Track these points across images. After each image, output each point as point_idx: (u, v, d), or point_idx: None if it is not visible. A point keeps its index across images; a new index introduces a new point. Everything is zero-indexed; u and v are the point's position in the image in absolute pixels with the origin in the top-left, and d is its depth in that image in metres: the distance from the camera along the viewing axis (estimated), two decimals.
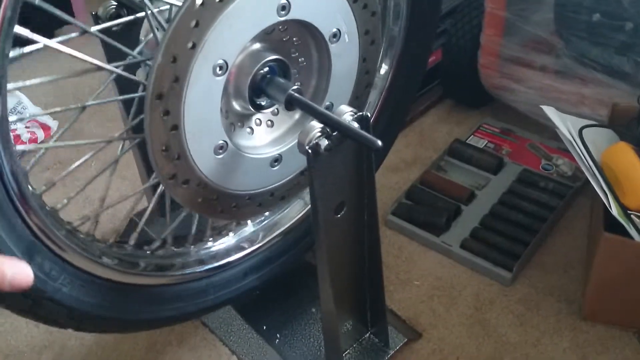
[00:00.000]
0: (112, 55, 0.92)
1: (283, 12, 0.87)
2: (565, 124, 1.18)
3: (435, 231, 1.44)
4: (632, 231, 1.06)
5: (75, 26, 0.82)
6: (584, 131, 1.20)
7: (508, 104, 1.63)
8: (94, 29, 0.85)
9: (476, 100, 1.78)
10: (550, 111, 1.22)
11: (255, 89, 0.91)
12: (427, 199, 1.52)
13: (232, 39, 0.83)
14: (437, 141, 1.72)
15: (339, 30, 0.94)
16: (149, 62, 0.89)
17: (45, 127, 1.69)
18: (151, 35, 0.91)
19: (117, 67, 0.85)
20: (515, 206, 1.48)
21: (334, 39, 0.95)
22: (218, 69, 0.83)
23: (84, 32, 0.84)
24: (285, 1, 0.86)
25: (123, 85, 0.96)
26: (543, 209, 1.46)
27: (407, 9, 1.12)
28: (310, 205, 0.97)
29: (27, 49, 0.75)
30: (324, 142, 0.86)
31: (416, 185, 1.55)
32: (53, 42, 0.76)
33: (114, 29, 0.92)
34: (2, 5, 0.67)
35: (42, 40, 0.75)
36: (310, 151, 0.86)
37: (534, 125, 1.60)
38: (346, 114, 0.88)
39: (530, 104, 1.52)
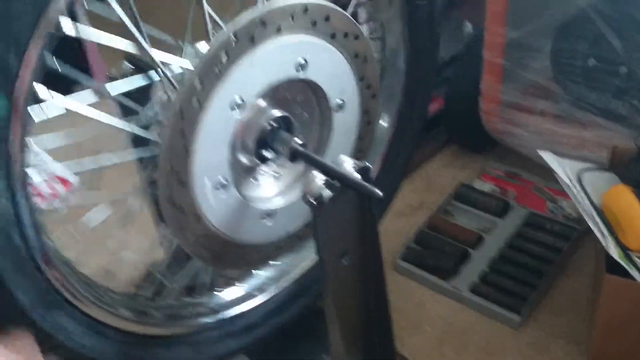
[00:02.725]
0: (127, 112, 0.97)
1: (301, 69, 0.92)
2: (563, 168, 1.21)
3: (445, 275, 1.46)
4: (634, 272, 1.07)
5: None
6: (584, 174, 1.22)
7: (511, 147, 1.67)
8: (109, 86, 0.90)
9: (480, 145, 1.82)
10: (547, 156, 1.25)
11: (261, 143, 0.96)
12: (435, 244, 1.54)
13: (253, 79, 0.88)
14: (443, 185, 1.75)
15: (343, 101, 1.00)
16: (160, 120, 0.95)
17: (65, 182, 1.73)
18: (162, 92, 0.97)
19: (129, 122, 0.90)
20: (522, 249, 1.49)
21: (339, 110, 1.01)
22: (235, 105, 0.88)
23: (101, 94, 0.89)
24: (303, 61, 0.92)
25: (138, 141, 1.01)
26: (550, 251, 1.47)
27: (406, 65, 1.18)
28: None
29: (50, 113, 0.80)
30: (327, 193, 0.89)
31: (424, 230, 1.58)
32: (73, 105, 0.82)
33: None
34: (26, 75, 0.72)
35: (62, 104, 0.80)
36: (313, 201, 0.89)
37: (538, 168, 1.62)
38: (348, 165, 0.92)
39: (532, 147, 1.54)
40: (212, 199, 0.92)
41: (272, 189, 1.03)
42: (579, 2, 1.36)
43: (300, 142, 0.95)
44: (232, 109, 0.87)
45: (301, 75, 0.93)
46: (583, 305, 1.37)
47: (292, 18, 0.88)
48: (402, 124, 1.25)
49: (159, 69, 0.89)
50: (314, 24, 0.91)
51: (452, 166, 1.82)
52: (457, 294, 1.42)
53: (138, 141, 0.99)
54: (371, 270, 1.06)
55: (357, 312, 1.09)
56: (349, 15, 0.96)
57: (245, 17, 0.84)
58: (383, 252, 1.03)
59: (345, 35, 0.95)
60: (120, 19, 0.83)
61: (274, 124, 0.95)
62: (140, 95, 0.99)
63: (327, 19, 0.92)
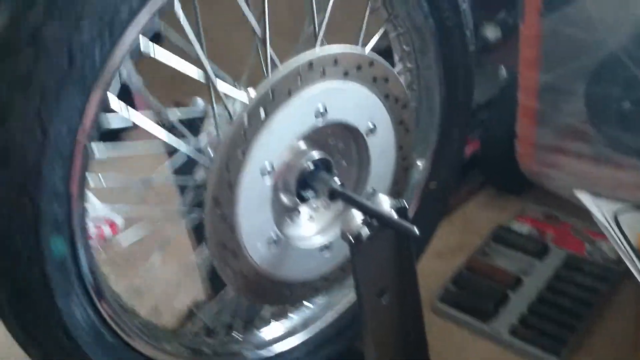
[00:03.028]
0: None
1: (321, 116, 0.95)
2: (599, 209, 1.21)
3: (483, 317, 1.45)
4: None
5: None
6: (620, 214, 1.22)
7: (548, 189, 1.67)
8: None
9: (517, 187, 1.82)
10: (584, 196, 1.25)
11: (301, 183, 0.99)
12: (474, 285, 1.55)
13: (277, 144, 0.92)
14: (481, 227, 1.75)
15: (374, 125, 1.03)
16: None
17: (112, 225, 1.80)
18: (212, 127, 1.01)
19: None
20: (562, 291, 1.49)
21: (371, 134, 1.03)
22: (266, 172, 0.91)
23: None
24: (322, 108, 0.95)
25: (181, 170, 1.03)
26: (590, 293, 1.46)
27: (441, 105, 1.21)
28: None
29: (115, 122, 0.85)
30: (365, 231, 0.92)
31: (462, 271, 1.58)
32: (142, 119, 0.87)
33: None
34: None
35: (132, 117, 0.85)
36: (352, 239, 0.92)
37: (576, 209, 1.61)
38: (385, 204, 0.95)
39: (569, 189, 1.55)
40: (268, 255, 0.97)
41: (314, 226, 1.07)
42: (611, 46, 1.39)
43: (339, 182, 0.98)
44: (263, 174, 0.91)
45: (321, 122, 0.95)
46: (624, 347, 1.34)
47: (300, 79, 0.90)
48: (438, 166, 1.27)
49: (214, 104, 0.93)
50: (324, 72, 0.92)
51: (489, 208, 1.83)
52: (496, 336, 1.41)
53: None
54: (410, 310, 1.07)
55: (396, 352, 1.09)
56: (357, 50, 0.96)
57: (255, 96, 0.87)
58: (421, 293, 1.05)
59: (359, 67, 0.97)
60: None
61: (313, 165, 0.99)
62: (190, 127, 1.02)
63: (335, 62, 0.93)
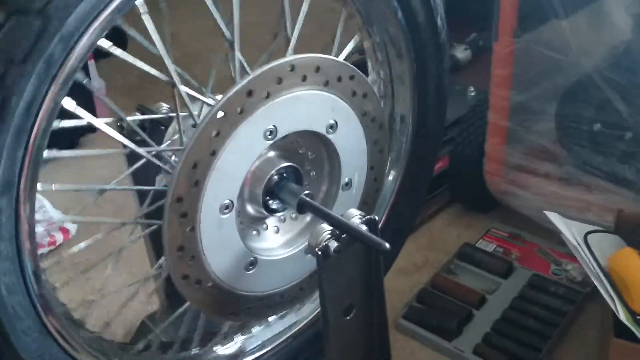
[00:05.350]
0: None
1: (331, 130, 0.96)
2: (570, 230, 1.21)
3: (447, 336, 1.43)
4: None
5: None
6: (590, 236, 1.22)
7: (515, 209, 1.67)
8: (130, 119, 0.91)
9: (484, 205, 1.82)
10: (554, 217, 1.25)
11: (269, 193, 0.96)
12: (438, 303, 1.53)
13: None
14: (447, 244, 1.74)
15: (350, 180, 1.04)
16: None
17: (64, 231, 1.73)
18: (176, 136, 0.98)
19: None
20: (526, 311, 1.48)
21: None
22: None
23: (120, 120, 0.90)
24: (333, 121, 0.96)
25: (139, 178, 1.02)
26: (554, 314, 1.46)
27: (413, 122, 1.19)
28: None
29: (67, 123, 0.81)
30: (333, 244, 0.89)
31: (427, 289, 1.56)
32: (97, 121, 0.84)
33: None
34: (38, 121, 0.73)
35: (86, 118, 0.81)
36: (319, 253, 0.88)
37: (542, 230, 1.62)
38: (355, 217, 0.92)
39: (536, 209, 1.55)
40: (229, 267, 0.93)
41: (278, 240, 1.03)
42: (585, 67, 1.39)
43: (308, 192, 0.95)
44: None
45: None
46: None
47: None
48: (410, 177, 1.25)
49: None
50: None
51: (456, 225, 1.82)
52: (460, 355, 1.39)
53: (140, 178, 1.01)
54: (376, 326, 1.05)
55: None
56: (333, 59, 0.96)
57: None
58: None
59: (339, 79, 0.96)
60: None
61: (282, 175, 0.96)
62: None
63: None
